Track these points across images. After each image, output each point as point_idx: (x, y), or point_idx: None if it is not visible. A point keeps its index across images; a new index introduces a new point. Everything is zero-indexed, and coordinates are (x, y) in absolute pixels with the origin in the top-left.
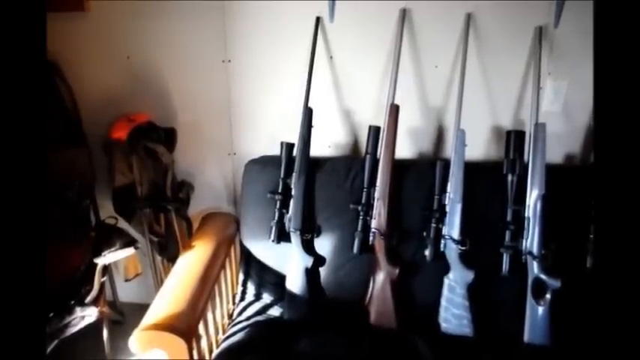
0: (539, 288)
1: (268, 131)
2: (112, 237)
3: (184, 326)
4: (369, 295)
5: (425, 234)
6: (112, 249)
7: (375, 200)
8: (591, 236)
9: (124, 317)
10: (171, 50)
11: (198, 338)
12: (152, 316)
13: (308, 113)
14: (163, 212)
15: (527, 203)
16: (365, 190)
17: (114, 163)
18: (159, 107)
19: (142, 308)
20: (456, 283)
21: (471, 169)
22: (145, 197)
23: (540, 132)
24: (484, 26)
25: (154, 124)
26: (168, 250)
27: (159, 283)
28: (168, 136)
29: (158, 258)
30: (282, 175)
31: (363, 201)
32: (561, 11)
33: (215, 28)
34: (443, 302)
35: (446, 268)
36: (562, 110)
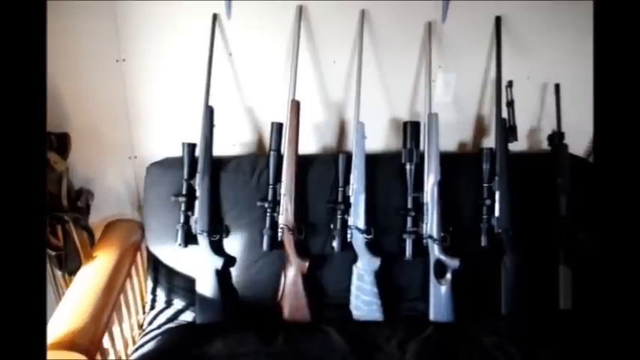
0: (441, 268)
1: (170, 132)
2: None
3: (86, 342)
4: (281, 291)
5: (332, 226)
6: None
7: (282, 196)
8: (484, 217)
9: None
10: (59, 50)
11: (104, 353)
12: (50, 334)
13: (209, 112)
14: (60, 223)
15: (425, 190)
16: (271, 186)
17: None
18: (49, 111)
19: None
20: (364, 270)
21: (372, 160)
22: None
23: (434, 122)
24: (378, 22)
25: None
26: (69, 264)
27: (60, 299)
28: (61, 142)
29: (58, 273)
30: (185, 177)
31: (270, 198)
32: (447, 7)
33: (106, 26)
34: (353, 290)
35: (354, 258)
36: (453, 100)
